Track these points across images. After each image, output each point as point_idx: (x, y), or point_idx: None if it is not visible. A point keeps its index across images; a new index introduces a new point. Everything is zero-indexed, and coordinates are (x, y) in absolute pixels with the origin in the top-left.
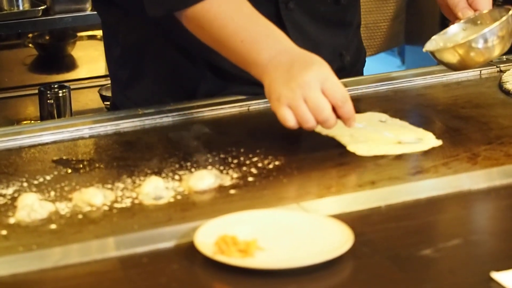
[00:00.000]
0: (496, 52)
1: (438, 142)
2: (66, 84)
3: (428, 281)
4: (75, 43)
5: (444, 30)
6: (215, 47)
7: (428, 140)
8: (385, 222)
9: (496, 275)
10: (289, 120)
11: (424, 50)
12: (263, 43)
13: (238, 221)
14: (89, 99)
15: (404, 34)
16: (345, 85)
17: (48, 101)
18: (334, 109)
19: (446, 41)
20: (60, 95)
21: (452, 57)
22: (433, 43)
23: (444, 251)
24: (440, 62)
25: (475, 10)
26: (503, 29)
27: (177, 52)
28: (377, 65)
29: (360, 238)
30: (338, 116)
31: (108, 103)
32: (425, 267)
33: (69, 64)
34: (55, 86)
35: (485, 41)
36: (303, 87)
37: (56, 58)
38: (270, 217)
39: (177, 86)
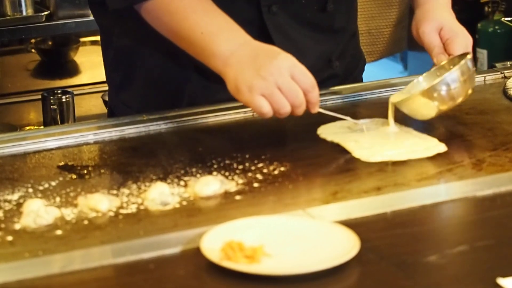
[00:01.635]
0: (460, 98)
1: (443, 148)
2: (69, 89)
3: (435, 287)
4: (78, 48)
5: (415, 80)
6: (174, 40)
7: (433, 146)
8: (391, 228)
9: (503, 281)
10: (265, 108)
11: (390, 102)
12: (223, 35)
13: (244, 227)
14: (92, 104)
15: (407, 40)
16: (341, 92)
17: (52, 106)
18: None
19: (412, 90)
20: (64, 100)
21: (416, 106)
22: (399, 94)
23: (449, 257)
24: (407, 112)
25: (449, 55)
26: (464, 74)
27: (166, 55)
28: (379, 71)
29: (366, 245)
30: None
31: None
32: (431, 273)
33: (72, 70)
34: (59, 91)
35: (447, 86)
36: (274, 74)
37: (59, 63)
38: (276, 223)
39: (164, 89)
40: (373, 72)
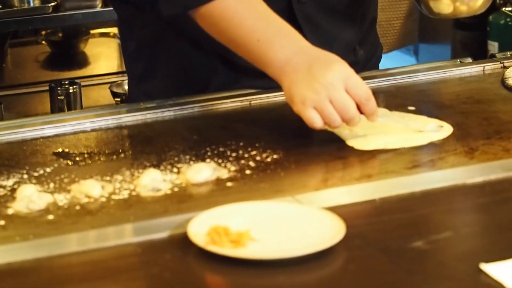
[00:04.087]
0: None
1: (437, 136)
2: (78, 80)
3: (418, 273)
4: (88, 40)
5: None
6: (230, 46)
7: (427, 134)
8: (378, 215)
9: (486, 267)
10: (316, 122)
11: None
12: (279, 42)
13: (231, 213)
14: (100, 95)
15: (418, 32)
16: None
17: (59, 97)
18: (358, 106)
19: None
20: (71, 91)
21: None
22: None
23: (435, 243)
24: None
25: None
26: None
27: (190, 46)
28: (392, 63)
29: (352, 230)
30: (362, 113)
31: (119, 99)
32: (415, 259)
33: (82, 61)
34: (66, 82)
35: None
36: (327, 87)
37: (68, 55)
38: (263, 208)
39: (189, 80)
40: (386, 64)
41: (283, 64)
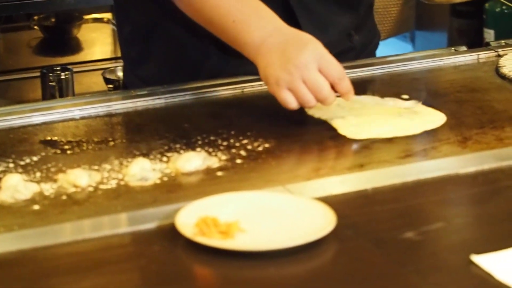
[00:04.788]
0: None
1: (431, 125)
2: (70, 67)
3: (409, 264)
4: (81, 25)
5: None
6: (207, 27)
7: (421, 123)
8: (370, 205)
9: (476, 258)
10: (290, 102)
11: None
12: (254, 23)
13: (221, 203)
14: (93, 82)
15: (415, 20)
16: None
17: (50, 83)
18: (332, 86)
19: None
20: (63, 77)
21: None
22: None
23: (426, 234)
24: None
25: None
26: None
27: (184, 29)
28: (389, 50)
29: (343, 221)
30: (337, 92)
31: (112, 86)
32: (407, 250)
33: (75, 47)
34: (58, 68)
35: None
36: (300, 68)
37: (61, 40)
38: (253, 199)
39: (183, 63)
40: (382, 51)
41: (258, 45)
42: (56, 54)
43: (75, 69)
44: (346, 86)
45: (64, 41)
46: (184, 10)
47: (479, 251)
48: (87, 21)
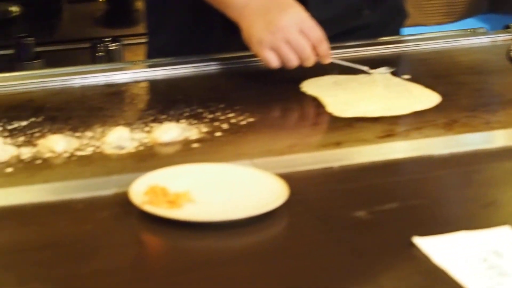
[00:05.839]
0: None
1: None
2: (125, 39)
3: (348, 243)
4: None
5: None
6: None
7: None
8: (330, 183)
9: (417, 240)
10: (273, 61)
11: None
12: None
13: (175, 174)
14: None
15: (489, 2)
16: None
17: (98, 54)
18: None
19: None
20: (111, 48)
21: None
22: None
23: (377, 214)
24: None
25: None
26: None
27: (193, 1)
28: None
29: (297, 197)
30: (316, 55)
31: None
32: (352, 228)
33: (136, 19)
34: (107, 39)
35: None
36: (283, 30)
37: (126, 12)
38: (208, 171)
39: (192, 35)
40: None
41: (241, 7)
42: (118, 25)
43: (129, 42)
44: (325, 49)
45: (127, 13)
46: None
47: (424, 234)
48: None
